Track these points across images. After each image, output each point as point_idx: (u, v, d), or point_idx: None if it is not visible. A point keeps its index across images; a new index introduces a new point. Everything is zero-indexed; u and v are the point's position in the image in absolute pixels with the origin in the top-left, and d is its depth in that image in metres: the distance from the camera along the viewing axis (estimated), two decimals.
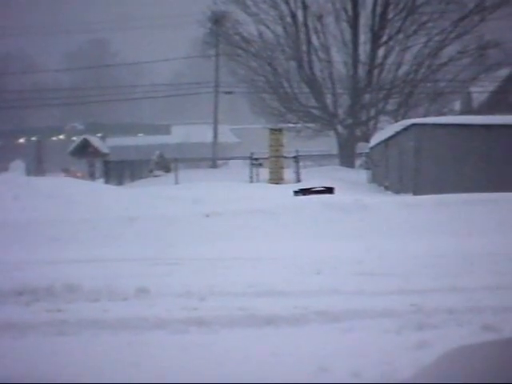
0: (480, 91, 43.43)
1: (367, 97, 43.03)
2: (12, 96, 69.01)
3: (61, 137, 67.15)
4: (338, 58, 43.73)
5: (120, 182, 36.34)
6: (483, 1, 40.73)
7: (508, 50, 40.97)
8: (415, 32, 41.89)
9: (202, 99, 61.99)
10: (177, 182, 32.90)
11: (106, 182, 35.33)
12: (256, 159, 35.38)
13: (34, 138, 70.59)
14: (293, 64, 43.90)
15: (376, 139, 31.40)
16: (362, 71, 42.70)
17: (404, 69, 42.91)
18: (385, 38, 42.28)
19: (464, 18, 40.89)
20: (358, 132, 43.46)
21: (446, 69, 42.22)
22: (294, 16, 42.84)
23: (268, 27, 43.70)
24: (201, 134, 67.28)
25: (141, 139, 73.20)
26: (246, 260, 11.47)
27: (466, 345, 3.40)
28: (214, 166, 47.59)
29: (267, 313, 7.08)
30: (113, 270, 10.32)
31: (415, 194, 20.19)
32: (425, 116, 36.82)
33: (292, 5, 42.64)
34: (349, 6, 42.03)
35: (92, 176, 39.91)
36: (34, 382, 5.25)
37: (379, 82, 42.63)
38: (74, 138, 50.58)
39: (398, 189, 23.31)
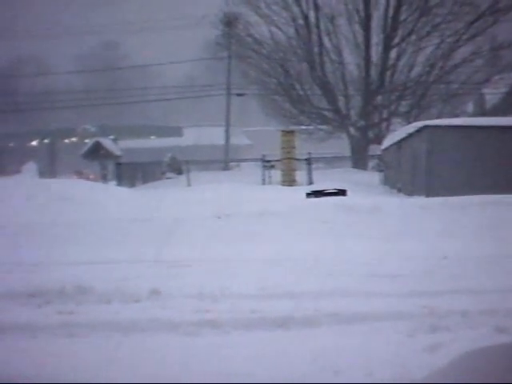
0: (493, 93, 43.29)
1: (379, 98, 42.98)
2: (24, 98, 69.32)
3: (73, 139, 67.29)
4: (351, 59, 43.70)
5: (132, 185, 36.38)
6: (496, 2, 40.60)
7: None
8: (428, 33, 41.80)
9: (214, 101, 62.00)
10: (189, 184, 32.91)
11: (119, 184, 35.37)
12: (268, 161, 35.35)
13: (46, 141, 70.82)
14: (305, 66, 43.87)
15: (388, 141, 31.32)
16: (374, 73, 42.64)
17: (417, 70, 42.83)
18: (397, 40, 42.20)
19: (477, 19, 40.77)
20: (371, 134, 43.39)
21: (459, 70, 42.10)
22: (306, 17, 42.82)
23: (280, 29, 43.70)
24: (213, 136, 67.28)
25: (153, 141, 73.28)
26: (257, 262, 11.44)
27: (480, 347, 3.36)
28: (226, 168, 47.60)
29: (279, 315, 7.05)
30: (125, 271, 10.31)
31: (428, 196, 20.12)
32: (438, 118, 36.69)
33: (304, 6, 42.63)
34: (361, 8, 41.97)
35: (104, 178, 39.98)
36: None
37: (392, 83, 42.57)
38: (87, 141, 50.70)
39: (411, 191, 23.23)
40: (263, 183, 33.16)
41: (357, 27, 42.58)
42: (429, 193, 20.55)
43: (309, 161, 34.84)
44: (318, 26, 42.80)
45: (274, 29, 43.73)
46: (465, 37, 41.45)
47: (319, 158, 40.19)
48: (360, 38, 42.59)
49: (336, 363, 5.45)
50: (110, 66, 76.72)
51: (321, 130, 44.54)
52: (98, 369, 5.50)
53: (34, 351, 6.02)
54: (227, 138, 52.06)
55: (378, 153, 36.19)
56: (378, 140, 40.09)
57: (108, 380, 5.19)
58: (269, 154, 36.43)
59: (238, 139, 68.32)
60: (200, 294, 8.20)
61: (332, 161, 47.92)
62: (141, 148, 68.95)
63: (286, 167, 33.89)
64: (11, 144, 72.21)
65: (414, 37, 42.07)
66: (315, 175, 33.75)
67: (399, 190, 25.93)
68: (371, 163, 41.70)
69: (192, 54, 67.35)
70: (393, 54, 42.62)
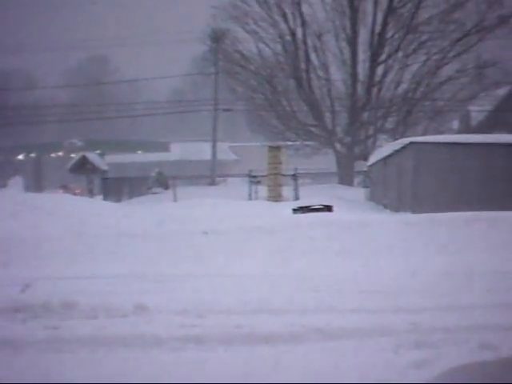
0: (478, 110, 43.53)
1: (366, 115, 43.13)
2: (11, 112, 69.07)
3: (60, 153, 67.13)
4: (337, 76, 43.87)
5: (118, 199, 36.30)
6: (482, 21, 40.91)
7: (506, 69, 41.10)
8: (414, 51, 42.04)
9: (201, 116, 62.06)
10: (175, 200, 32.89)
11: (105, 198, 35.30)
12: (254, 177, 35.40)
13: (32, 155, 70.58)
14: (292, 82, 44.01)
15: (374, 157, 31.44)
16: (360, 89, 42.81)
17: (403, 87, 43.04)
18: (384, 57, 42.41)
19: (463, 37, 41.05)
20: (357, 150, 43.50)
21: (445, 87, 42.34)
22: (293, 34, 43.00)
23: (267, 45, 43.87)
24: (199, 151, 67.29)
25: (140, 156, 73.19)
26: (243, 277, 11.44)
27: (465, 364, 3.40)
28: (213, 183, 47.60)
29: (265, 330, 7.06)
30: (110, 286, 10.29)
31: (414, 212, 20.18)
32: (423, 134, 36.88)
33: (291, 23, 42.81)
34: (348, 25, 42.18)
35: (90, 193, 39.88)
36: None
37: (378, 100, 42.72)
38: (73, 155, 50.60)
39: (397, 207, 23.31)
40: (250, 199, 33.18)
41: (344, 44, 42.79)
42: (415, 209, 20.61)
43: (295, 176, 34.92)
44: (305, 43, 42.97)
45: (261, 45, 43.94)
46: (450, 54, 41.72)
47: (306, 174, 40.30)
48: (347, 55, 42.80)
49: (321, 380, 5.46)
50: (97, 81, 76.69)
51: (307, 145, 44.63)
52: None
53: (20, 366, 6.00)
54: (214, 154, 52.04)
55: (364, 169, 36.30)
56: (364, 156, 40.21)
57: None
58: (255, 169, 36.46)
59: (225, 154, 68.33)
60: (186, 309, 8.19)
61: (318, 176, 48.04)
62: (127, 163, 68.88)
63: (272, 183, 33.92)
64: None
65: (400, 54, 42.29)
66: (302, 191, 33.80)
67: (385, 206, 25.99)
68: (357, 179, 41.82)
69: (180, 69, 67.43)
70: (379, 70, 42.82)
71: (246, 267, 12.64)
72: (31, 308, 8.22)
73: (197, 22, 48.51)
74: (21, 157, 72.12)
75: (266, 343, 6.71)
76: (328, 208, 21.30)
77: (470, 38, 41.14)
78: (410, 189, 22.19)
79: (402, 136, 36.45)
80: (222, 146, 63.43)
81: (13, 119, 65.68)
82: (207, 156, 55.47)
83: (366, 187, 33.67)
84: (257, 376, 5.67)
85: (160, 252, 14.34)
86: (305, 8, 42.54)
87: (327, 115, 43.86)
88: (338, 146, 43.57)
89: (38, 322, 7.67)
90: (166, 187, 39.26)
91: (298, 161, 41.24)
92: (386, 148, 28.67)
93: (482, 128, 39.99)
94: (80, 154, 44.15)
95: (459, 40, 41.12)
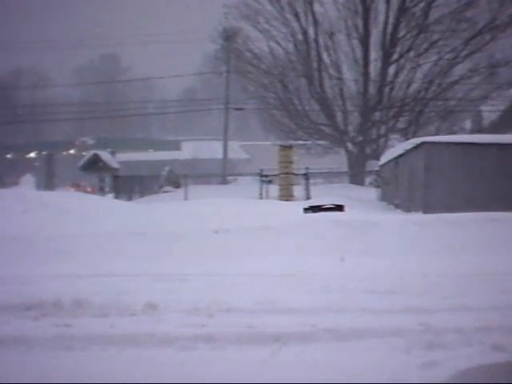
0: (491, 110, 43.40)
1: (377, 114, 43.05)
2: (23, 110, 69.34)
3: (71, 151, 67.33)
4: (349, 75, 43.81)
5: (129, 198, 36.38)
6: (494, 19, 40.76)
7: None
8: (426, 50, 41.93)
9: (213, 115, 62.11)
10: (186, 198, 32.91)
11: (116, 197, 35.36)
12: (266, 176, 35.39)
13: (44, 153, 70.79)
14: (303, 81, 43.97)
15: (386, 157, 31.35)
16: (372, 89, 42.73)
17: (415, 87, 42.93)
18: (396, 56, 42.32)
19: (475, 36, 40.92)
20: (368, 150, 43.46)
21: (457, 87, 42.21)
22: (305, 33, 42.96)
23: (279, 44, 43.86)
24: (211, 150, 67.32)
25: (151, 155, 73.29)
26: (254, 276, 11.43)
27: (477, 365, 3.36)
28: (224, 182, 47.65)
29: (275, 330, 7.04)
30: (121, 285, 10.30)
31: (425, 212, 20.12)
32: (435, 134, 36.78)
33: (303, 22, 42.78)
34: (360, 24, 42.12)
35: (102, 191, 39.96)
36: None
37: (390, 99, 42.64)
38: (85, 153, 50.71)
39: (408, 207, 23.24)
40: (261, 198, 33.16)
41: (356, 43, 42.72)
42: (426, 209, 20.54)
43: (306, 176, 34.87)
44: (317, 42, 42.93)
45: (273, 44, 43.91)
46: (463, 54, 41.58)
47: (317, 173, 40.23)
48: (359, 54, 42.72)
49: (332, 380, 5.45)
50: (109, 79, 76.87)
51: (319, 145, 44.62)
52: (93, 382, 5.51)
53: (31, 364, 6.01)
54: (225, 152, 52.10)
55: (376, 168, 36.22)
56: (376, 156, 40.15)
57: None
58: (267, 168, 36.45)
59: (236, 153, 68.33)
60: (196, 308, 8.19)
61: (330, 176, 47.97)
62: (139, 161, 68.99)
63: (283, 182, 33.91)
64: (9, 156, 72.22)
65: (412, 53, 42.19)
66: (313, 190, 33.76)
67: (396, 206, 25.91)
68: (369, 179, 41.74)
69: (191, 68, 67.52)
70: (391, 70, 42.74)
71: (257, 266, 12.63)
72: (42, 306, 8.24)
73: (209, 20, 48.57)
74: (32, 155, 72.35)
75: (276, 343, 6.69)
76: (339, 208, 21.26)
77: (482, 37, 40.99)
78: (422, 189, 22.11)
79: (414, 136, 36.38)
80: (233, 145, 63.45)
81: (25, 117, 65.97)
82: (218, 155, 55.52)
83: (378, 187, 33.59)
84: (268, 375, 5.66)
85: (171, 251, 14.35)
86: (317, 7, 42.54)
87: (339, 114, 43.83)
88: (349, 145, 43.53)
89: (49, 320, 7.68)
90: (177, 186, 39.30)
91: (310, 160, 41.21)
92: (397, 148, 28.58)
93: (494, 128, 39.87)
94: (91, 152, 44.22)
95: (471, 39, 40.98)
